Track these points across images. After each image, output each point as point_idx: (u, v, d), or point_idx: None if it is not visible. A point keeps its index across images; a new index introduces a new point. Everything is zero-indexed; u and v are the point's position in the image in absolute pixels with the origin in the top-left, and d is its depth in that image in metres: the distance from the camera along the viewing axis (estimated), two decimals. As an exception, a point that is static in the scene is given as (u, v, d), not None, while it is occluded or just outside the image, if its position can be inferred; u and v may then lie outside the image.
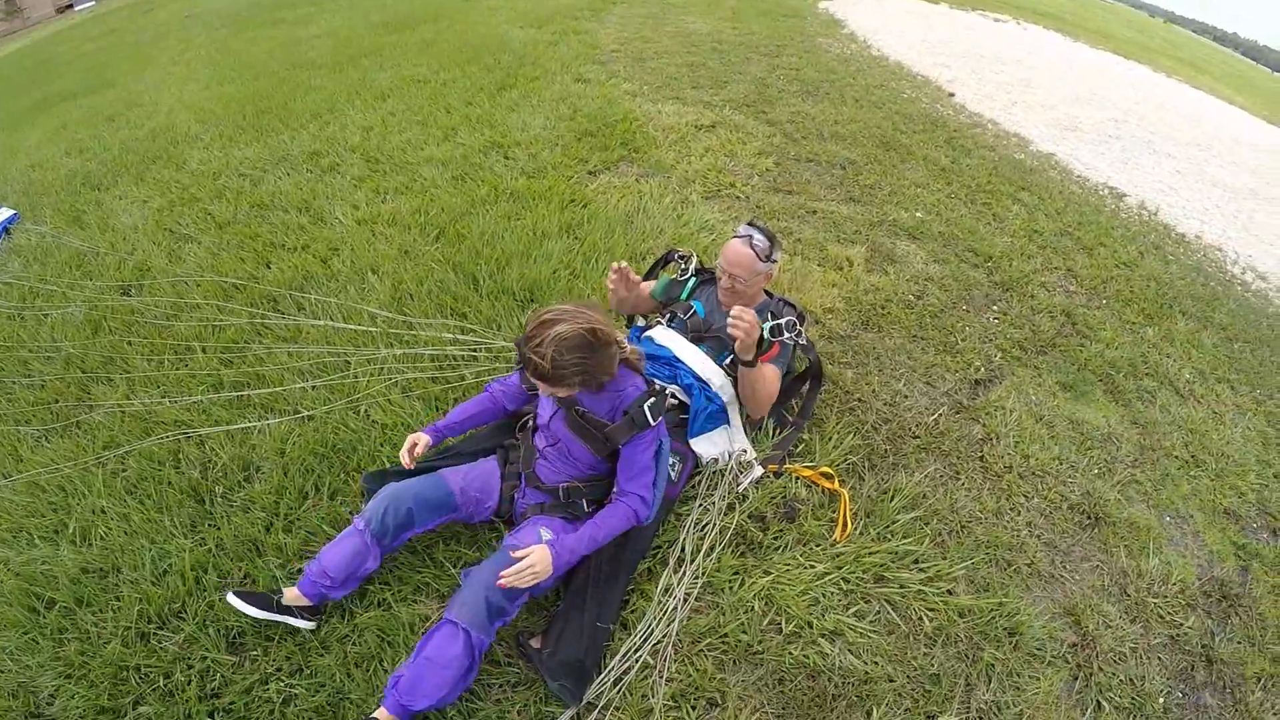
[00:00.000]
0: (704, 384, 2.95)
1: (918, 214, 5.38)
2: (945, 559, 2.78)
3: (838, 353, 3.78)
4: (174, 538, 2.78)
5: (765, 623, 2.50)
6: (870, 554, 2.72)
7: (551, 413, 2.48)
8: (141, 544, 2.77)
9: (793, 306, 3.11)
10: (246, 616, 2.37)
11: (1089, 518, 3.14)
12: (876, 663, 2.45)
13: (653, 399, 2.32)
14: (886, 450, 3.22)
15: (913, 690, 2.42)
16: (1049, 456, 3.35)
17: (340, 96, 7.69)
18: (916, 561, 2.75)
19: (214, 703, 2.31)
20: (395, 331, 3.71)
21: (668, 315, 3.19)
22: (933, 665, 2.48)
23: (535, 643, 2.37)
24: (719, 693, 2.35)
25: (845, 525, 2.80)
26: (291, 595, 2.42)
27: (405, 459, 2.51)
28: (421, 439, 2.56)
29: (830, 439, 3.18)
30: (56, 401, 3.64)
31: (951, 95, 8.95)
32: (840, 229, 5.00)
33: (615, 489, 2.43)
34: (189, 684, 2.35)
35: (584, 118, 6.54)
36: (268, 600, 2.39)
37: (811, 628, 2.50)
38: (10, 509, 3.11)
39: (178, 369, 3.68)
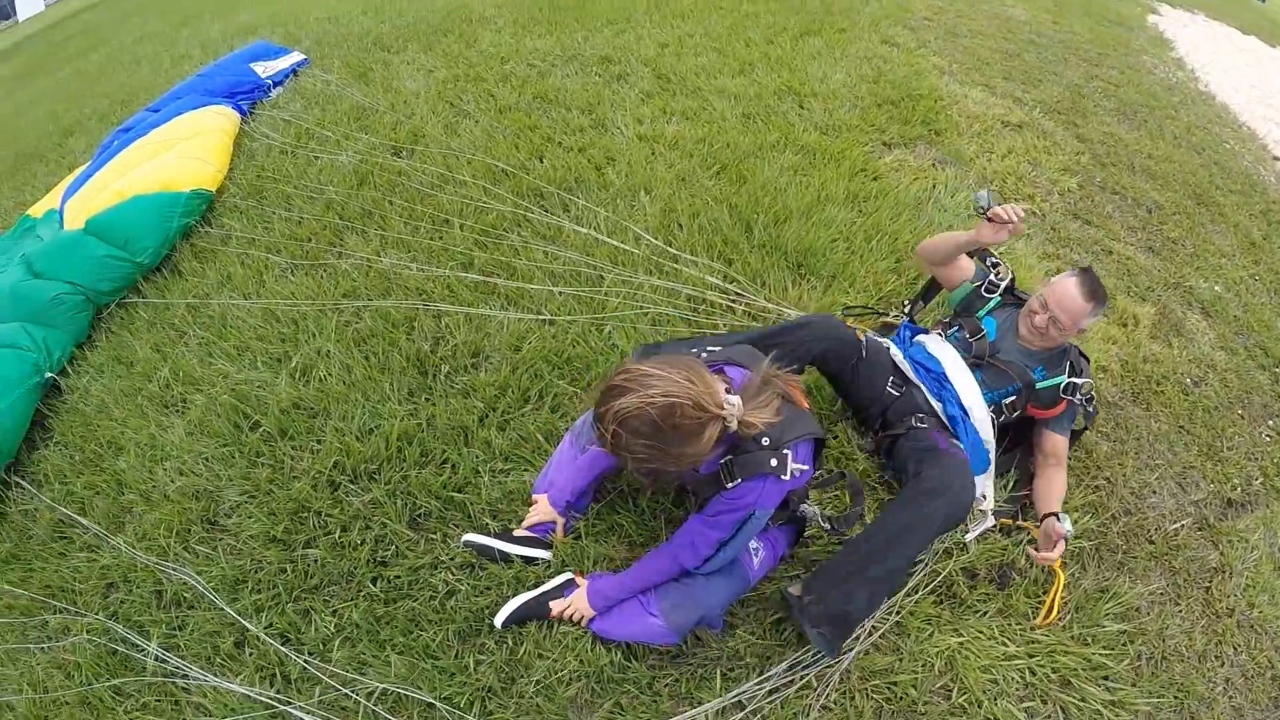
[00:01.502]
0: (966, 415, 2.82)
1: (1216, 287, 4.88)
2: (1135, 686, 2.59)
3: (1099, 420, 3.56)
4: (388, 401, 3.00)
5: (939, 685, 2.43)
6: (1065, 653, 2.57)
7: None
8: (357, 397, 3.02)
9: (1088, 362, 3.05)
10: (488, 548, 2.50)
11: (1291, 697, 2.84)
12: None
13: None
14: (1118, 546, 3.03)
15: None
16: (1274, 614, 3.04)
17: (638, 7, 7.92)
18: (1107, 678, 2.57)
19: (380, 570, 2.51)
20: (657, 259, 3.77)
21: (953, 326, 3.06)
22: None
23: (795, 590, 2.37)
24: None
25: (1052, 610, 2.63)
26: (521, 533, 2.56)
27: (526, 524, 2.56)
28: (547, 517, 2.54)
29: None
30: (310, 240, 4.07)
31: (1276, 160, 7.99)
32: (1134, 280, 4.65)
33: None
34: (363, 544, 2.56)
35: (888, 84, 6.35)
36: (503, 536, 2.54)
37: (980, 708, 2.38)
38: (241, 328, 3.53)
39: (431, 239, 3.97)
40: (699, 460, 1.95)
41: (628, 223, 4.01)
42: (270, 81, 6.23)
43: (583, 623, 2.34)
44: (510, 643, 2.35)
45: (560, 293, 3.56)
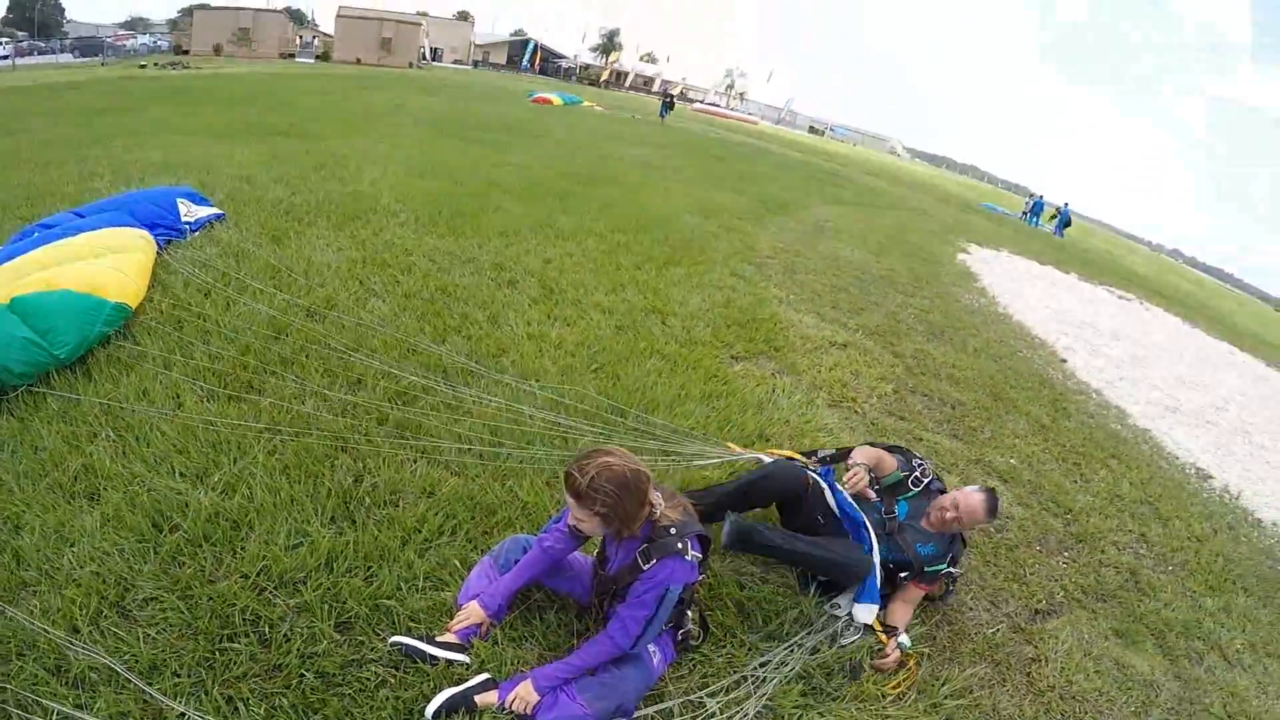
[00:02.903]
0: (872, 556, 3.46)
1: (1012, 460, 5.77)
2: None
3: None
4: (313, 521, 3.18)
5: None
6: None
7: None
8: (283, 515, 3.18)
9: (965, 545, 3.89)
10: (415, 649, 2.70)
11: (1119, 752, 3.38)
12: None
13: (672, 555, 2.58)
14: (945, 645, 3.60)
15: None
16: (1090, 687, 3.61)
17: (525, 224, 8.77)
18: None
19: (311, 663, 2.61)
20: (549, 432, 4.19)
21: (876, 498, 3.71)
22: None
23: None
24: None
25: (903, 682, 3.21)
26: (444, 638, 2.79)
27: (454, 628, 2.82)
28: (479, 619, 2.84)
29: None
30: (229, 375, 4.21)
31: (1064, 361, 9.44)
32: (940, 459, 5.45)
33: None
34: (288, 640, 2.66)
35: (736, 309, 7.36)
36: (427, 639, 2.76)
37: None
38: (159, 441, 3.57)
39: (347, 395, 4.21)
40: (631, 528, 2.58)
41: (520, 405, 4.40)
42: (188, 226, 6.36)
43: (528, 710, 2.58)
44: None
45: (467, 449, 3.88)
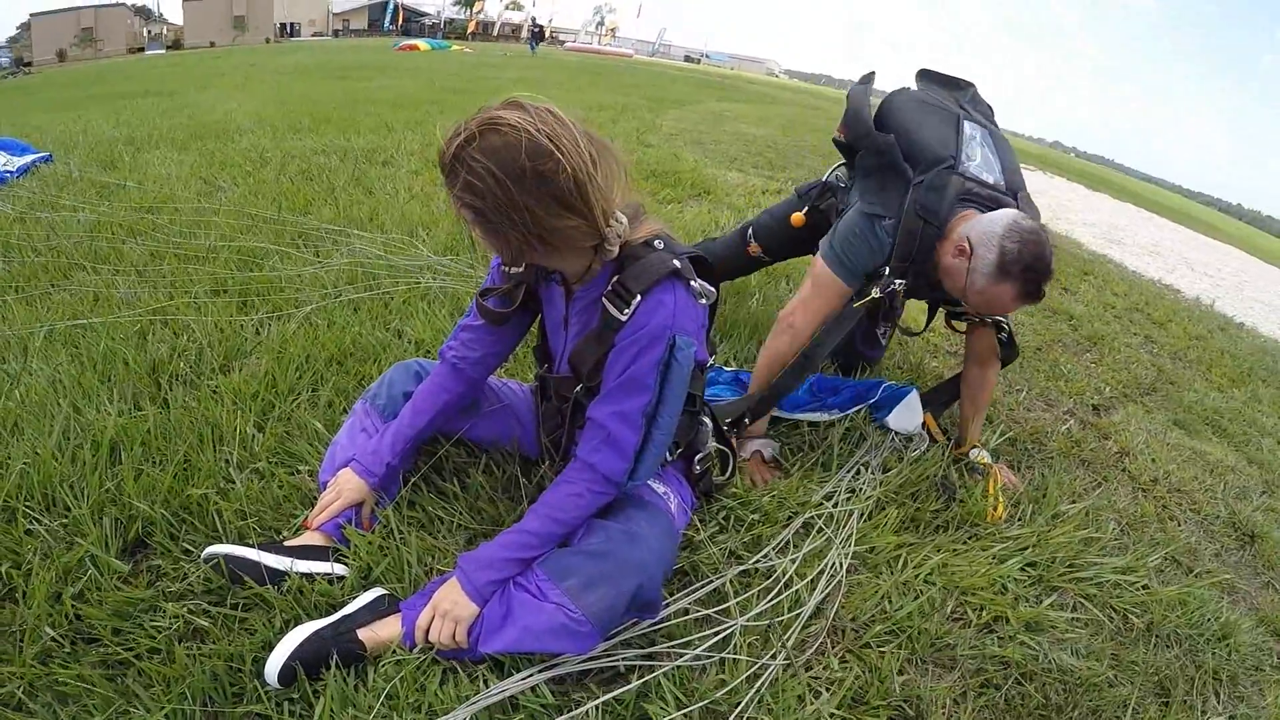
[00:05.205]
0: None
1: None
2: (1132, 551, 2.16)
3: (947, 368, 3.27)
4: (105, 409, 1.92)
5: (949, 611, 1.74)
6: (1052, 539, 2.05)
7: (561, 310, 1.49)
8: (61, 406, 1.92)
9: None
10: (246, 562, 1.39)
11: (1246, 536, 2.60)
12: (1094, 664, 1.69)
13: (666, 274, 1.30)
14: (1030, 448, 2.69)
15: (1142, 698, 1.66)
16: (1187, 475, 2.88)
17: (398, 123, 7.31)
18: (1103, 550, 2.10)
19: (78, 618, 1.35)
20: (441, 265, 3.03)
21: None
22: (1155, 668, 1.77)
23: None
24: (914, 698, 1.49)
25: (998, 505, 2.12)
26: (301, 540, 1.51)
27: (316, 520, 1.52)
28: (355, 495, 1.54)
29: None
30: (26, 280, 2.87)
31: None
32: None
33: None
34: (35, 576, 1.40)
35: (651, 164, 6.24)
36: (269, 546, 1.45)
37: (1008, 622, 1.74)
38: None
39: (175, 269, 2.93)
40: (556, 252, 1.24)
41: (410, 241, 3.24)
42: (9, 174, 4.80)
43: (456, 638, 1.28)
44: (293, 706, 1.24)
45: (336, 296, 2.67)
